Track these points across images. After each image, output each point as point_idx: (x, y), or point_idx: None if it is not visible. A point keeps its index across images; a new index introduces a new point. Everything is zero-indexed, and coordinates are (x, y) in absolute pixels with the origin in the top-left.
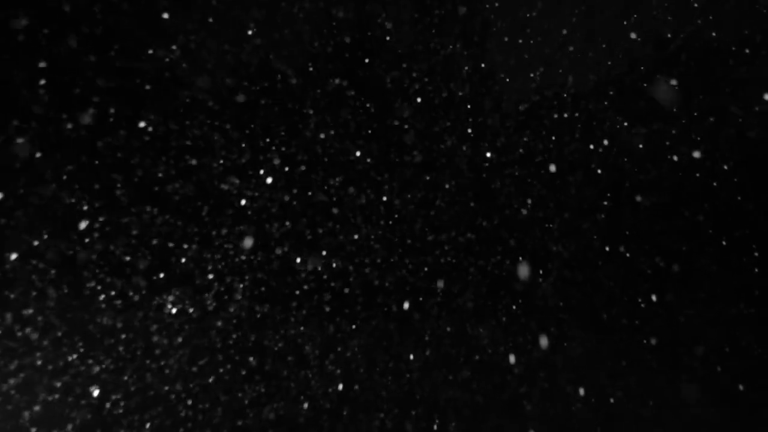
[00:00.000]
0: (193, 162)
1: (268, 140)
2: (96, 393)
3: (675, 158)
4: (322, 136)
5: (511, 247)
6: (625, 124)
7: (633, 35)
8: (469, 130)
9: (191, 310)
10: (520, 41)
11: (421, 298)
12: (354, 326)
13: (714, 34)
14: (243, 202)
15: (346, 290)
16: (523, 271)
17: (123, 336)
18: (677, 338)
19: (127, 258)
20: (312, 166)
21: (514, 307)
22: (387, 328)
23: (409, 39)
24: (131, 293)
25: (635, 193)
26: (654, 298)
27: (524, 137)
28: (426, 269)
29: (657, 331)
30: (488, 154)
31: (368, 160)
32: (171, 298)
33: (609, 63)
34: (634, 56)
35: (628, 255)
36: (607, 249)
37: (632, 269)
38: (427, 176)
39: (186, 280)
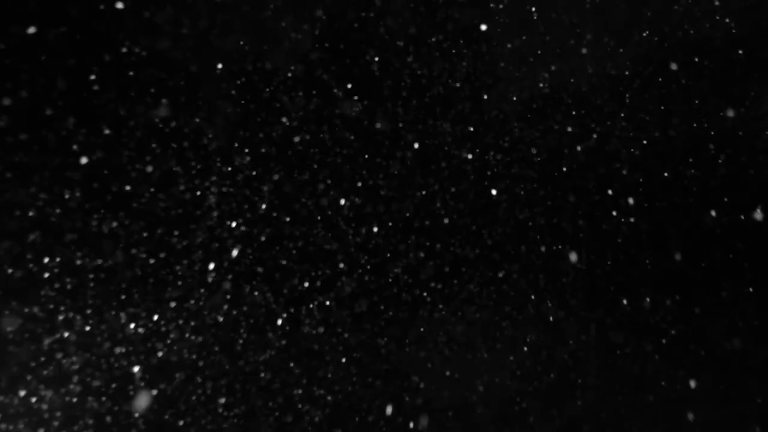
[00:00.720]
0: (161, 163)
1: (242, 138)
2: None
3: (697, 161)
4: (297, 139)
5: (520, 259)
6: (645, 121)
7: (646, 31)
8: (470, 130)
9: (162, 329)
10: (524, 37)
11: (421, 328)
12: (343, 348)
13: (734, 29)
14: (216, 206)
15: (334, 306)
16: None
17: (80, 360)
18: (709, 363)
19: (87, 270)
20: (293, 167)
21: (522, 328)
22: (379, 352)
23: (404, 27)
24: (89, 311)
25: (658, 199)
26: (683, 316)
27: (532, 138)
28: (423, 284)
29: (685, 357)
30: (491, 157)
31: (357, 161)
32: (135, 314)
33: (623, 58)
34: (648, 53)
35: (652, 268)
36: (629, 261)
37: (657, 284)
38: (422, 180)
39: (152, 294)
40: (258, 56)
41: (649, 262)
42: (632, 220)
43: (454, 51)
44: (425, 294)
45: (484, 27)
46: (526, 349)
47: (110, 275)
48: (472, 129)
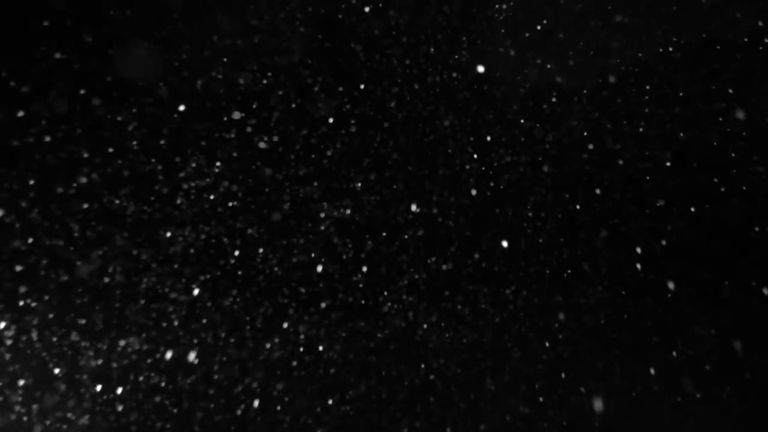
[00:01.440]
0: (139, 165)
1: (220, 136)
2: None
3: (719, 167)
4: (268, 140)
5: (530, 273)
6: (665, 122)
7: (661, 30)
8: (472, 135)
9: (129, 348)
10: (527, 35)
11: (418, 354)
12: (331, 373)
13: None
14: (190, 208)
15: (323, 318)
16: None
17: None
18: (740, 384)
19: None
20: (278, 169)
21: (533, 349)
22: (372, 382)
23: (398, 19)
24: (37, 336)
25: (681, 204)
26: (709, 326)
27: (542, 137)
28: (423, 301)
29: (716, 371)
30: (496, 163)
31: (348, 161)
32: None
33: (638, 56)
34: (664, 51)
35: (674, 278)
36: (651, 276)
37: (679, 297)
38: (422, 186)
39: (122, 310)
40: (243, 48)
41: (677, 277)
42: (657, 229)
43: (453, 41)
44: (422, 312)
45: (483, 23)
46: (539, 375)
47: (72, 288)
48: (473, 133)
